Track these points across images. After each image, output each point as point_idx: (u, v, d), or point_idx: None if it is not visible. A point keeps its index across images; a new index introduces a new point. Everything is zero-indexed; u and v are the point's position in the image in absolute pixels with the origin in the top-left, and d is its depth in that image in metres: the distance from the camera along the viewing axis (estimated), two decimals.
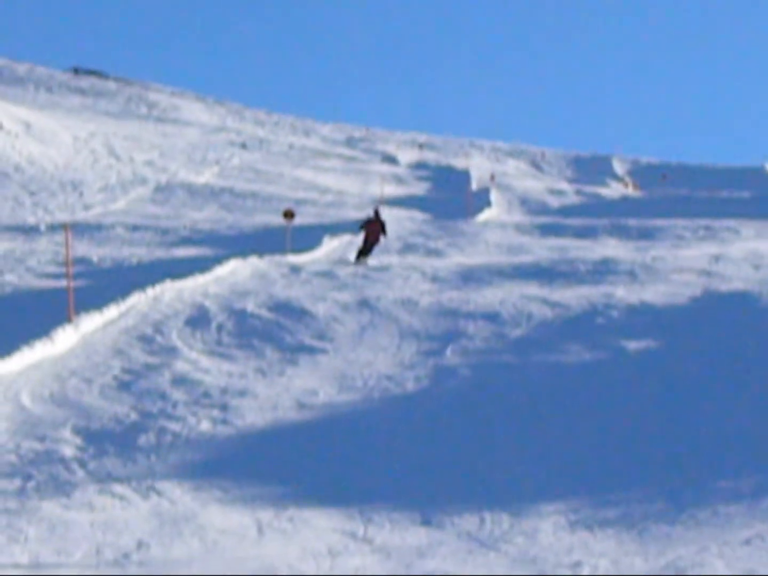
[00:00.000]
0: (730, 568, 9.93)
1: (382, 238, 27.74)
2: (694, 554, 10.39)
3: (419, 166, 61.89)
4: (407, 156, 67.02)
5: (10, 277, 25.53)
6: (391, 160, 63.86)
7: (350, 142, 73.17)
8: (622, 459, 13.51)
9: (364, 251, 27.17)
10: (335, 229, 34.91)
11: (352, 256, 28.76)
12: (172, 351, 18.10)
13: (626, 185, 63.24)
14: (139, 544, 10.58)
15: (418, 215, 40.90)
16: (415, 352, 18.39)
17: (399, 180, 54.26)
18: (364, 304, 21.41)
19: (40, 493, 11.94)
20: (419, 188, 52.25)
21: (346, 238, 33.28)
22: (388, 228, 29.07)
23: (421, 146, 74.29)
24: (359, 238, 28.54)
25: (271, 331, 19.49)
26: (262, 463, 13.36)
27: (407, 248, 31.53)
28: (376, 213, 28.24)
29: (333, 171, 56.43)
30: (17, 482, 12.25)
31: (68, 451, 13.44)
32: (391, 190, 47.10)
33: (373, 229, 27.19)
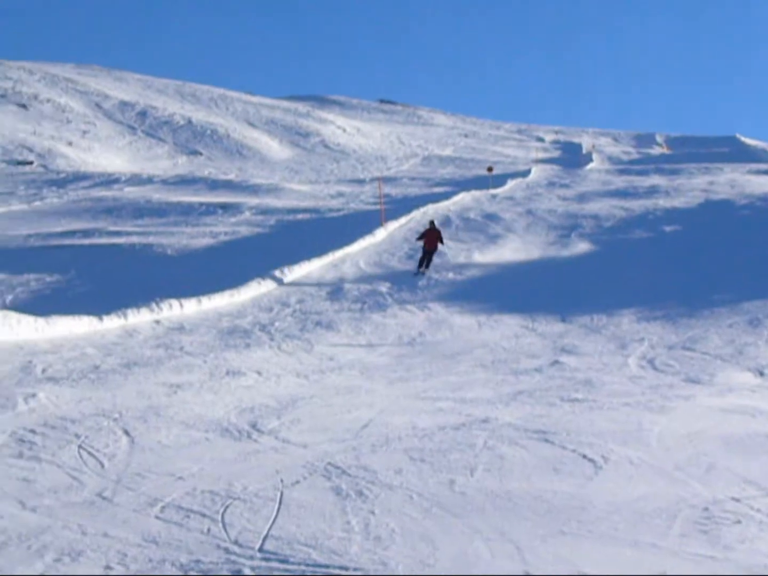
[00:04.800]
0: (721, 339, 18.59)
1: (439, 245, 27.80)
2: (702, 332, 19.25)
3: (555, 142, 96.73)
4: (549, 137, 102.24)
5: (352, 205, 40.35)
6: (541, 140, 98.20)
7: (519, 131, 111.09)
8: (663, 284, 23.31)
9: (424, 258, 27.30)
10: (513, 176, 53.63)
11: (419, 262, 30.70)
12: None
13: (663, 147, 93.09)
14: (420, 334, 20.03)
15: (555, 167, 60.93)
16: (555, 236, 30.21)
17: (545, 150, 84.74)
18: (528, 212, 34.14)
19: (370, 310, 22.34)
20: (555, 154, 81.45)
21: (518, 180, 50.66)
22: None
23: (556, 132, 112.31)
24: (419, 246, 28.71)
25: (481, 227, 31.77)
26: (479, 291, 23.86)
27: (550, 185, 47.23)
28: (432, 224, 28.37)
29: (511, 147, 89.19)
30: (359, 305, 22.81)
31: (383, 289, 24.38)
32: (540, 155, 75.50)
33: (430, 237, 27.73)
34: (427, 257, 27.38)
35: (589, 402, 12.72)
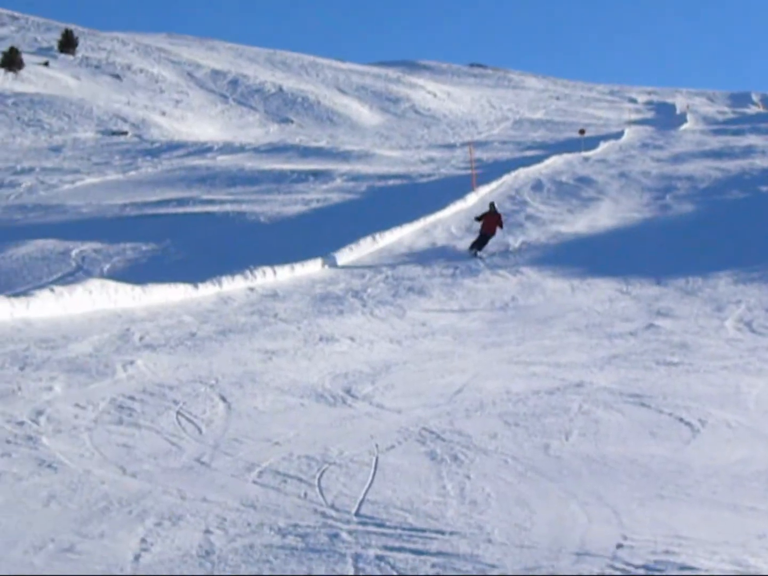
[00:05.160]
0: None
1: (498, 231, 25.99)
2: None
3: (648, 102, 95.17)
4: (642, 98, 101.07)
5: (443, 170, 40.64)
6: (633, 101, 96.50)
7: (611, 93, 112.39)
8: (760, 245, 22.95)
9: (479, 242, 25.47)
10: (606, 138, 53.20)
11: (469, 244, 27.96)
12: (524, 203, 30.33)
13: (758, 106, 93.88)
14: (512, 298, 19.95)
15: (648, 129, 60.64)
16: (649, 198, 30.01)
17: (638, 111, 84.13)
18: (622, 174, 34.05)
19: (462, 276, 22.32)
20: (649, 115, 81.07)
21: (611, 142, 50.38)
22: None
23: (649, 93, 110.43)
24: (477, 228, 26.61)
25: (573, 191, 31.69)
26: (571, 255, 23.76)
27: (643, 146, 47.27)
28: (492, 206, 26.63)
29: (602, 109, 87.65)
30: (450, 270, 22.85)
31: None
32: (633, 116, 74.85)
33: (489, 221, 25.97)
34: (481, 240, 25.51)
35: (686, 365, 12.58)
